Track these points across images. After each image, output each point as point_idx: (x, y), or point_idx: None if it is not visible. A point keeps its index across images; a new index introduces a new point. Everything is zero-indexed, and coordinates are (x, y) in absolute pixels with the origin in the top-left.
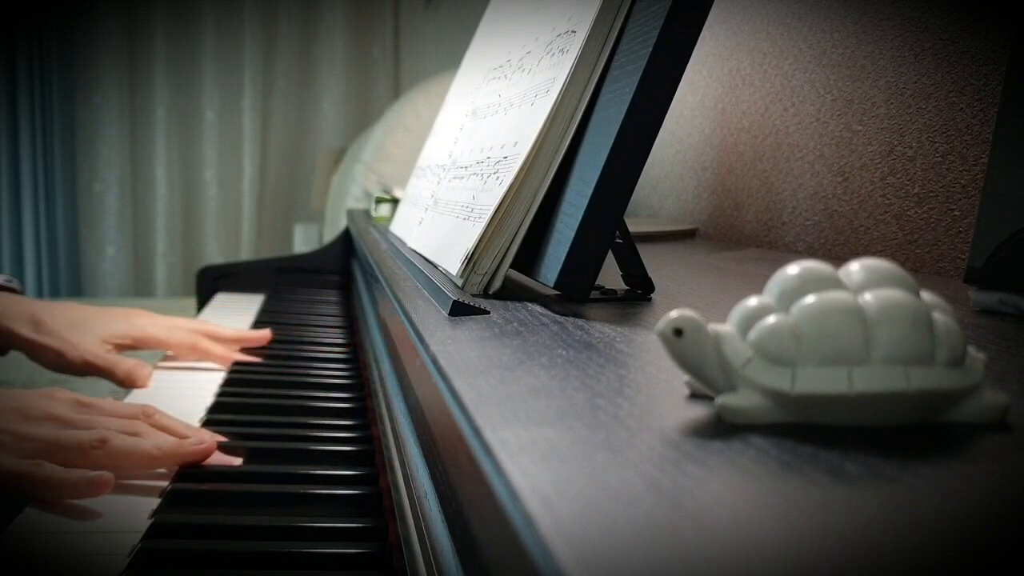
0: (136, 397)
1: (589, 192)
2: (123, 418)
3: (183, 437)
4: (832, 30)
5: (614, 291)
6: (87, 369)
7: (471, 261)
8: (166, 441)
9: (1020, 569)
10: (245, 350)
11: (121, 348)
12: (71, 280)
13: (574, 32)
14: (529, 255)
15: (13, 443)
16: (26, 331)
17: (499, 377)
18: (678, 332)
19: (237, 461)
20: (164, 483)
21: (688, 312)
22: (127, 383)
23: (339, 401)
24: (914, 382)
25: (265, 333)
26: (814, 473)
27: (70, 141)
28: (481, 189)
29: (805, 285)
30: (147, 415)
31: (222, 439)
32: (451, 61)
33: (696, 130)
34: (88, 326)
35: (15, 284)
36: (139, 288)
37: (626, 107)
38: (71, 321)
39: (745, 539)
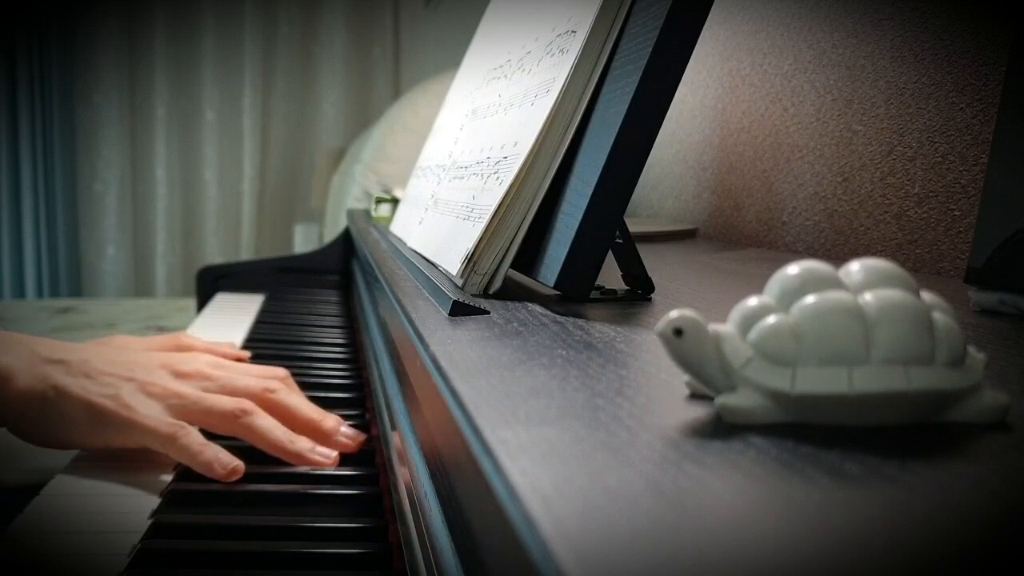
0: None
1: (589, 192)
2: (260, 377)
3: (309, 421)
4: (832, 30)
5: (614, 291)
6: None
7: (471, 261)
8: (299, 439)
9: (1020, 569)
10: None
11: None
12: (71, 280)
13: (574, 32)
14: (529, 255)
15: (164, 396)
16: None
17: (499, 377)
18: (678, 332)
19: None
20: (164, 483)
21: (688, 312)
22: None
23: (339, 401)
24: (914, 382)
25: (244, 354)
26: (814, 473)
27: (70, 141)
28: (481, 189)
29: (805, 285)
30: (280, 377)
31: (349, 431)
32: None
33: (696, 130)
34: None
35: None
36: (139, 288)
37: (626, 107)
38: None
39: (745, 539)
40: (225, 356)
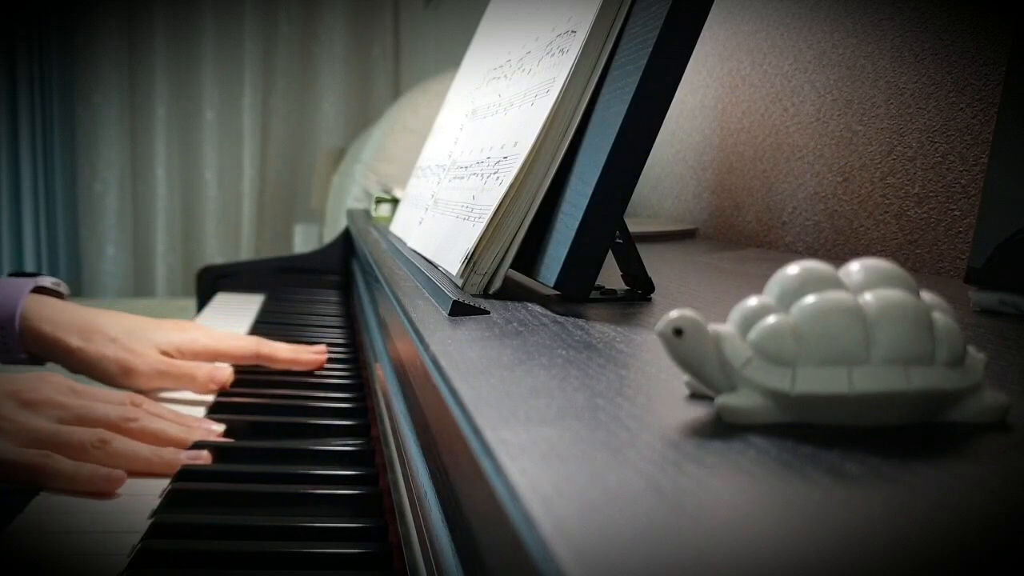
0: None
1: (589, 192)
2: (116, 404)
3: (177, 429)
4: (832, 30)
5: (614, 291)
6: (159, 380)
7: (471, 261)
8: (165, 450)
9: (1020, 569)
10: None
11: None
12: (71, 280)
13: (574, 32)
14: (529, 255)
15: (12, 431)
16: (76, 341)
17: (499, 377)
18: (678, 332)
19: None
20: (164, 483)
21: (688, 312)
22: (208, 388)
23: (339, 401)
24: (914, 382)
25: (319, 359)
26: (814, 473)
27: (70, 141)
28: (481, 189)
29: (805, 285)
30: (135, 403)
31: (219, 428)
32: (451, 61)
33: (696, 130)
34: (145, 335)
35: (62, 288)
36: (139, 288)
37: (626, 107)
38: (127, 330)
39: (745, 539)
40: (302, 364)
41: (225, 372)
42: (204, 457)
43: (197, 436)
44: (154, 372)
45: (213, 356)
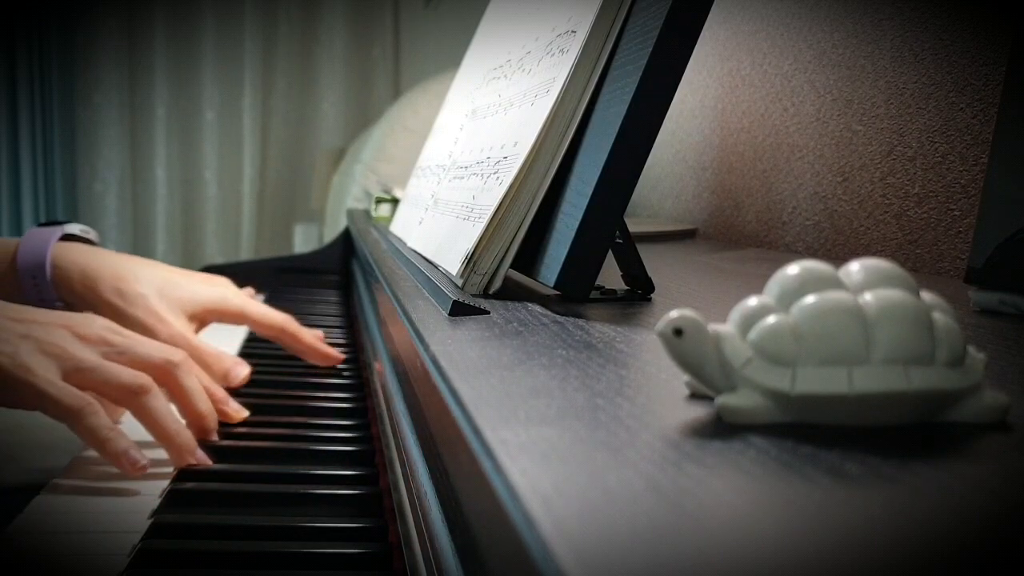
0: None
1: (589, 192)
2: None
3: (194, 413)
4: (832, 30)
5: (614, 291)
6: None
7: (471, 261)
8: (185, 431)
9: (1020, 569)
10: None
11: (204, 323)
12: None
13: (574, 32)
14: (529, 255)
15: (61, 356)
16: (107, 291)
17: (499, 377)
18: (678, 332)
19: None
20: (164, 483)
21: (688, 312)
22: (221, 382)
23: (339, 401)
24: (914, 382)
25: (338, 356)
26: (814, 473)
27: (70, 141)
28: (481, 189)
29: (805, 285)
30: (172, 363)
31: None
32: (451, 61)
33: (696, 130)
34: (175, 293)
35: (92, 235)
36: None
37: (626, 107)
38: (158, 288)
39: (745, 539)
40: (321, 356)
41: (244, 371)
42: (206, 462)
43: (209, 424)
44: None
45: (241, 319)
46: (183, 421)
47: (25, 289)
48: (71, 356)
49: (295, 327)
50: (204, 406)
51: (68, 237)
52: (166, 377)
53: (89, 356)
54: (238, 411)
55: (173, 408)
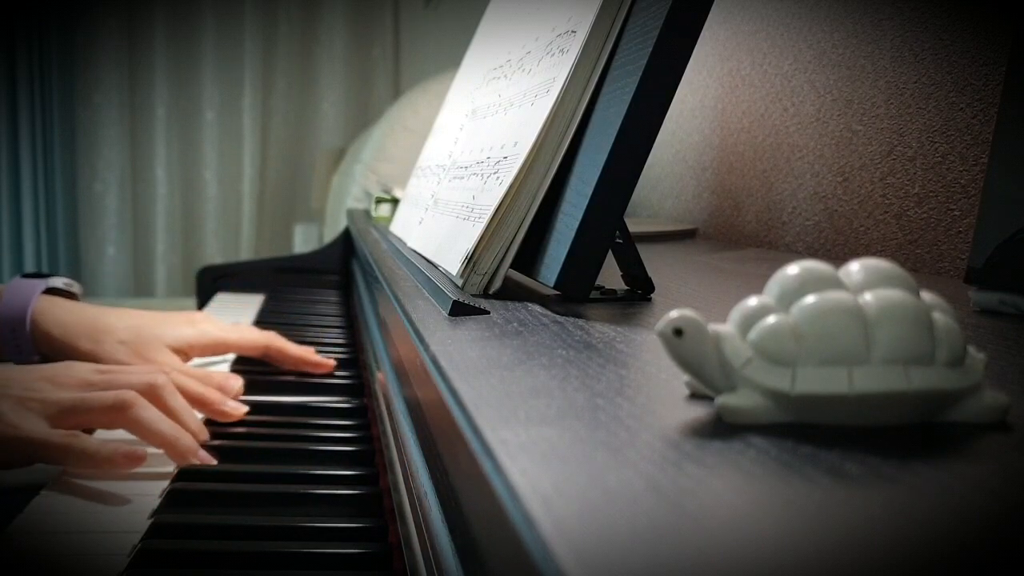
0: None
1: (589, 192)
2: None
3: (203, 403)
4: (832, 30)
5: (614, 291)
6: None
7: (471, 261)
8: (184, 434)
9: (1020, 569)
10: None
11: (188, 358)
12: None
13: (574, 32)
14: (529, 255)
15: (41, 407)
16: (86, 344)
17: (499, 377)
18: (678, 332)
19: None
20: (164, 483)
21: (688, 312)
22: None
23: (339, 401)
24: (914, 382)
25: (329, 363)
26: (814, 473)
27: (70, 141)
28: (481, 189)
29: (805, 285)
30: (156, 385)
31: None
32: (451, 61)
33: (696, 130)
34: (154, 333)
35: (75, 288)
36: (139, 288)
37: (626, 107)
38: (136, 330)
39: (745, 539)
40: (311, 365)
41: (236, 385)
42: (209, 461)
43: (186, 441)
44: None
45: (224, 348)
46: (191, 414)
47: (3, 340)
48: (53, 402)
49: (280, 343)
50: (194, 423)
51: (51, 290)
52: (151, 399)
53: (70, 396)
54: (236, 408)
55: (185, 403)
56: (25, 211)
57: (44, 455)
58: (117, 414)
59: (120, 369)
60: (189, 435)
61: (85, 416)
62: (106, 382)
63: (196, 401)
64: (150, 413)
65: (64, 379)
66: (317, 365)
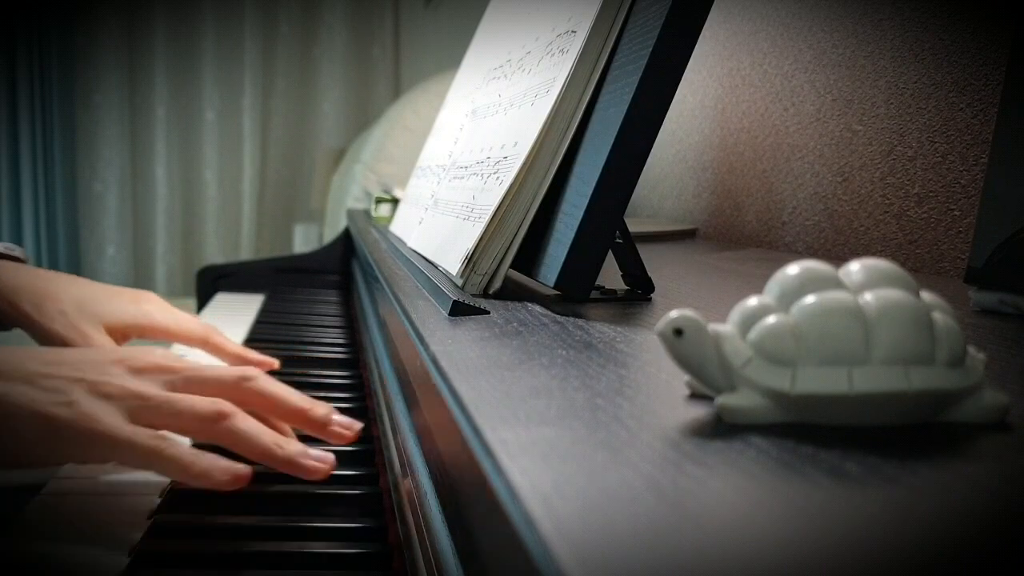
0: None
1: (589, 192)
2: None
3: (298, 411)
4: (832, 30)
5: (614, 291)
6: None
7: (471, 261)
8: (289, 443)
9: (1020, 569)
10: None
11: (126, 338)
12: None
13: (574, 32)
14: (529, 255)
15: (122, 396)
16: (28, 307)
17: (499, 377)
18: (678, 332)
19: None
20: (164, 483)
21: (688, 312)
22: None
23: (339, 401)
24: (914, 382)
25: (271, 361)
26: (814, 473)
27: (70, 141)
28: (481, 189)
29: (805, 285)
30: (247, 378)
31: (343, 419)
32: (451, 61)
33: (696, 130)
34: (95, 308)
35: (17, 252)
36: (139, 288)
37: (626, 107)
38: (78, 304)
39: (745, 539)
40: (252, 363)
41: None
42: (330, 463)
43: (320, 412)
44: None
45: (163, 334)
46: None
47: None
48: (131, 393)
49: (218, 339)
50: (300, 402)
51: None
52: (245, 394)
53: (153, 390)
54: (344, 422)
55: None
56: (25, 211)
57: (125, 456)
58: (210, 425)
59: (201, 363)
60: (295, 442)
61: (172, 419)
62: (189, 372)
63: (283, 409)
64: (246, 424)
65: (140, 364)
66: (259, 363)
